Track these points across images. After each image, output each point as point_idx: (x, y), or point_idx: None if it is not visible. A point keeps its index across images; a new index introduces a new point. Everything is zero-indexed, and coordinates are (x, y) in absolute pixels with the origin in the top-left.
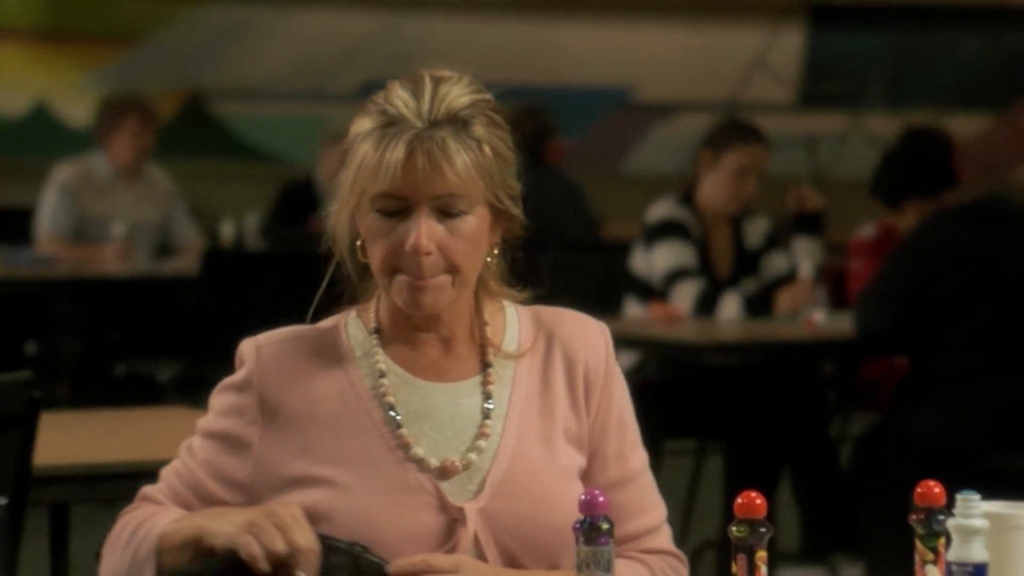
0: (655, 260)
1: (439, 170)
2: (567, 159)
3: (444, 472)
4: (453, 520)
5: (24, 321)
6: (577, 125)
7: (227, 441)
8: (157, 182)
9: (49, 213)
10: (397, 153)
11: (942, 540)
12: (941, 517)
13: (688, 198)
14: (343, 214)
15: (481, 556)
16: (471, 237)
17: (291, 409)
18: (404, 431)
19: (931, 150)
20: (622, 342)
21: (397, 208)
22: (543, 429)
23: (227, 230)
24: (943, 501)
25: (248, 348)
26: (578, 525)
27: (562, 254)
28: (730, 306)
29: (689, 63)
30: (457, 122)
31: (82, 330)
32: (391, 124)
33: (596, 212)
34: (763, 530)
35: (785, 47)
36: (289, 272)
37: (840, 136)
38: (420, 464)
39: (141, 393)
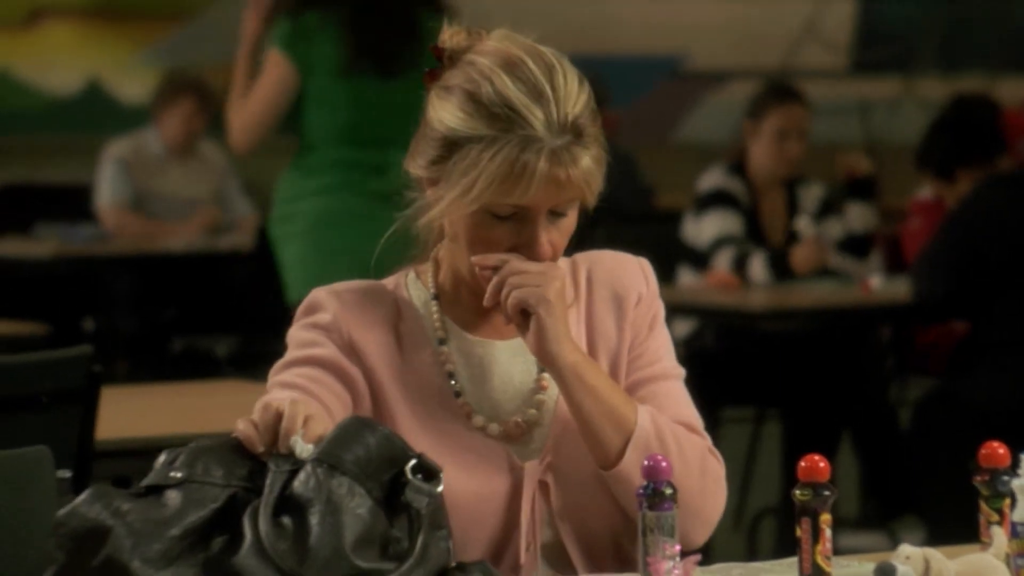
0: (703, 229)
1: (569, 182)
2: (617, 129)
3: (508, 436)
4: (520, 480)
5: (81, 298)
6: (628, 95)
7: (327, 366)
8: (210, 158)
9: (108, 185)
10: (538, 175)
11: (1007, 501)
12: (1006, 478)
13: (739, 167)
14: (450, 212)
15: (549, 510)
16: (571, 229)
17: (370, 358)
18: (464, 399)
19: (980, 117)
20: (677, 310)
21: (513, 213)
22: None
23: None
24: (1008, 462)
25: (325, 295)
26: (641, 491)
27: (615, 225)
28: (757, 268)
29: (739, 30)
30: (577, 130)
31: (139, 306)
32: (519, 135)
33: (648, 182)
34: (827, 493)
35: (836, 13)
36: None
37: (893, 102)
38: (484, 431)
39: (198, 368)
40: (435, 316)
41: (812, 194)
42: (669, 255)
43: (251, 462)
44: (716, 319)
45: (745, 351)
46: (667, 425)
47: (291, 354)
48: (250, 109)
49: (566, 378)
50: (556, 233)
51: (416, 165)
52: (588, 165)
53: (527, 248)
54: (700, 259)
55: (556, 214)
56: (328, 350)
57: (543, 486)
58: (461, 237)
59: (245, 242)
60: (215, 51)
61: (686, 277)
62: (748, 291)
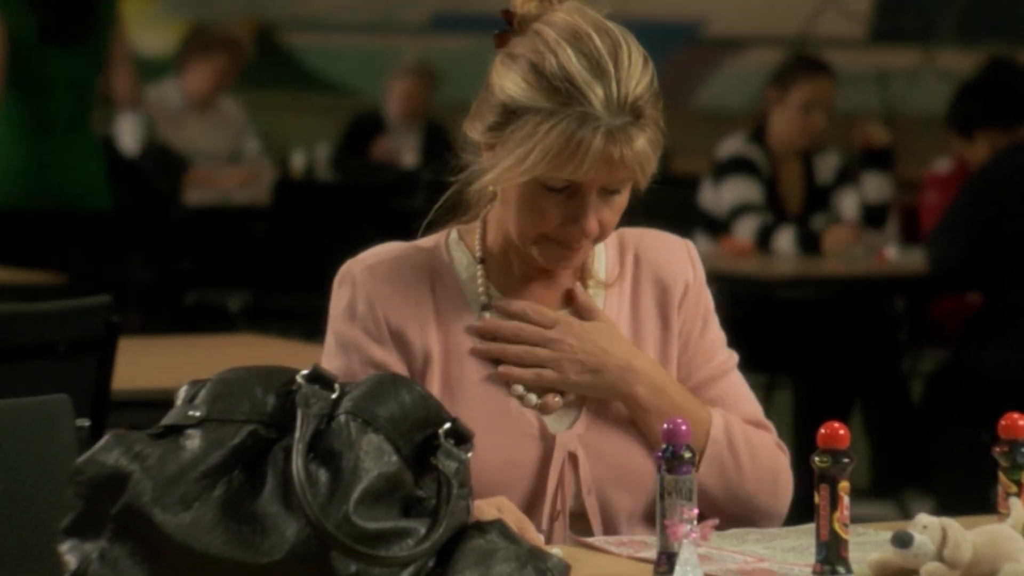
0: (722, 195)
1: (622, 163)
2: None
3: (545, 407)
4: (551, 449)
5: None
6: None
7: (371, 365)
8: (228, 112)
9: (132, 133)
10: (592, 153)
11: None
12: None
13: (758, 135)
14: (503, 179)
15: (577, 483)
16: (622, 207)
17: (410, 334)
18: (504, 367)
19: (1009, 81)
20: None
21: (565, 186)
22: None
23: (297, 161)
24: None
25: (359, 271)
26: (660, 454)
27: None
28: (784, 241)
29: None
30: (637, 111)
31: (153, 259)
32: (577, 111)
33: (665, 147)
34: (846, 460)
35: None
36: (358, 202)
37: (912, 71)
38: (521, 400)
39: (211, 322)
40: (479, 281)
41: (829, 163)
42: (684, 220)
43: (276, 397)
44: (731, 286)
45: (759, 319)
46: (738, 431)
47: (333, 346)
48: None
49: (647, 409)
50: (607, 211)
51: (475, 128)
52: (643, 147)
53: (574, 223)
54: (717, 225)
55: (608, 192)
56: (367, 353)
57: (572, 457)
58: (512, 204)
59: (261, 196)
60: (231, 6)
61: (701, 243)
62: (764, 259)
